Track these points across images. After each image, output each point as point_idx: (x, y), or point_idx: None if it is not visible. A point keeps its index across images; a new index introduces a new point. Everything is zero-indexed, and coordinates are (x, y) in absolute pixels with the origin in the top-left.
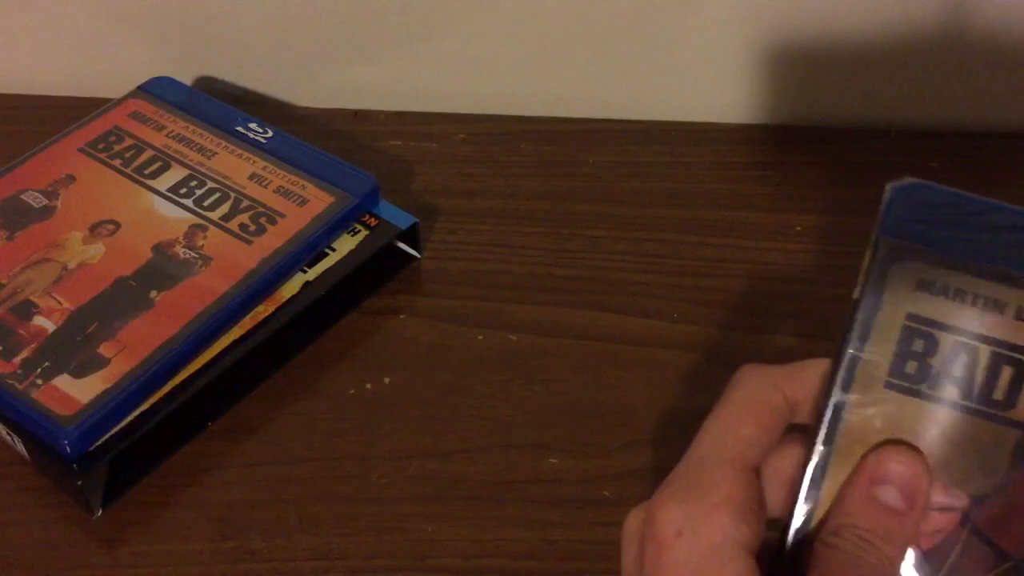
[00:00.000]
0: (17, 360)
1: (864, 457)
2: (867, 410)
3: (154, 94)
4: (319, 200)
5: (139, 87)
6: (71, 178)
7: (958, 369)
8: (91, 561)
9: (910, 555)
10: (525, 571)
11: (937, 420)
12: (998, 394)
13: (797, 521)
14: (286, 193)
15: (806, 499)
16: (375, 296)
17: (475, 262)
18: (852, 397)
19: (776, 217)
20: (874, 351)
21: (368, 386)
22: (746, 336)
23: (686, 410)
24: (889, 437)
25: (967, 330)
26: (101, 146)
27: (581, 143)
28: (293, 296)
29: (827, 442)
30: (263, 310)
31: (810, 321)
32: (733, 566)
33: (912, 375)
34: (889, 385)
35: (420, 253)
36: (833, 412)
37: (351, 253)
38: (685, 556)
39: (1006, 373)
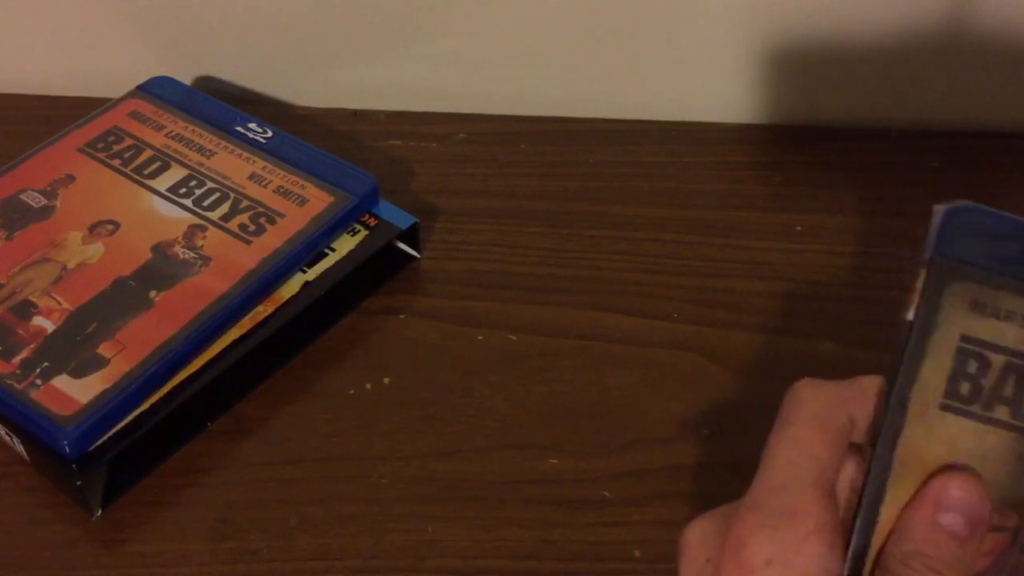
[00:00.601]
0: (16, 360)
1: (926, 483)
2: (923, 431)
3: (153, 94)
4: (319, 200)
5: (138, 87)
6: (70, 178)
7: (1009, 390)
8: (91, 561)
9: None
10: (525, 571)
11: (989, 441)
12: None
13: (856, 545)
14: (286, 193)
15: (865, 521)
16: (375, 296)
17: (475, 262)
18: (908, 418)
19: (776, 217)
20: (930, 372)
21: (368, 386)
22: (746, 336)
23: (686, 410)
24: (946, 459)
25: (1018, 351)
26: (100, 146)
27: (581, 143)
28: (293, 296)
29: (885, 464)
30: (263, 310)
31: (810, 321)
32: None
33: (966, 396)
34: (944, 407)
35: (420, 253)
36: (891, 434)
37: (351, 253)
38: (775, 555)
39: None
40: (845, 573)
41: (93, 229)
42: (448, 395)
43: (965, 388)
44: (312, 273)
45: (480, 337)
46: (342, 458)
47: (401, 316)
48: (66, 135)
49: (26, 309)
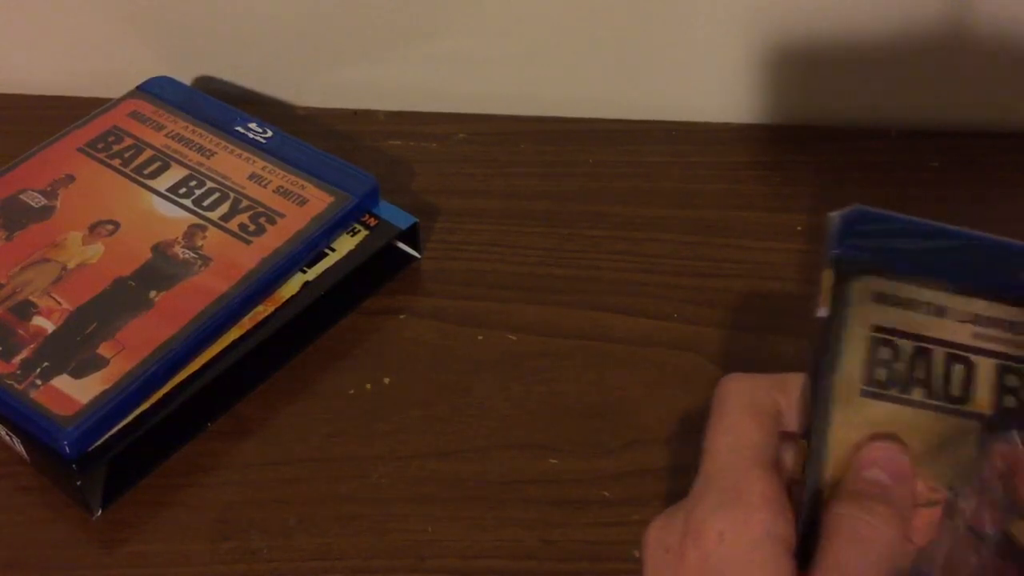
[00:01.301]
0: (16, 360)
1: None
2: (849, 418)
3: (153, 94)
4: (319, 200)
5: (138, 87)
6: (70, 178)
7: (921, 372)
8: (90, 561)
9: (908, 559)
10: (525, 571)
11: (910, 420)
12: (955, 390)
13: (803, 534)
14: (286, 193)
15: (809, 509)
16: (375, 296)
17: (475, 262)
18: (834, 409)
19: (776, 217)
20: (847, 363)
21: (368, 386)
22: (746, 336)
23: (686, 410)
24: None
25: (922, 335)
26: (100, 146)
27: (581, 143)
28: (293, 296)
29: (819, 455)
30: (262, 310)
31: (810, 321)
32: (773, 564)
33: (883, 381)
34: (865, 393)
35: (420, 253)
36: (821, 426)
37: (351, 253)
38: (730, 554)
39: (958, 371)
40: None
41: (93, 229)
42: (448, 395)
43: (881, 374)
44: (312, 273)
45: (480, 337)
46: (342, 458)
47: (401, 316)
48: (66, 135)
49: (26, 309)
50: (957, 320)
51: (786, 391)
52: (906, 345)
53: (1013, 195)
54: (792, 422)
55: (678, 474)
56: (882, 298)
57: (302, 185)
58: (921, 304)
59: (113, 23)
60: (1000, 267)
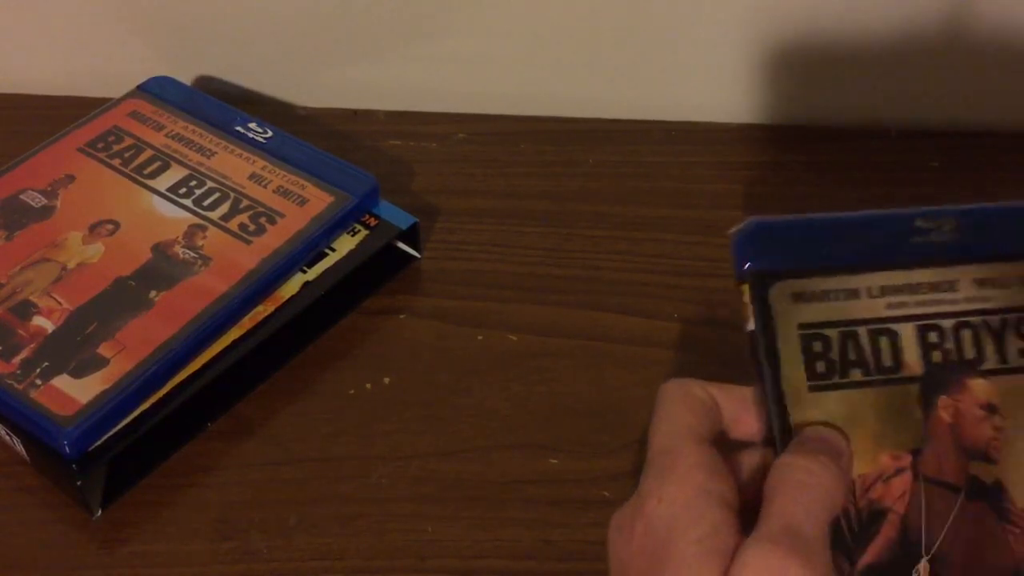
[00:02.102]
0: (16, 360)
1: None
2: (805, 416)
3: (153, 94)
4: (319, 200)
5: (138, 87)
6: (70, 178)
7: (852, 354)
8: (90, 561)
9: (896, 527)
10: (525, 571)
11: (859, 401)
12: (887, 361)
13: None
14: (286, 193)
15: None
16: (375, 296)
17: (475, 262)
18: (789, 411)
19: None
20: (788, 366)
21: (368, 386)
22: (746, 336)
23: None
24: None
25: (844, 320)
26: (100, 146)
27: (581, 143)
28: (293, 296)
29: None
30: (263, 310)
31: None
32: (709, 515)
33: (824, 372)
34: (812, 388)
35: (420, 253)
36: (781, 430)
37: (351, 253)
38: (666, 512)
39: (884, 343)
40: None
41: (93, 229)
42: (448, 395)
43: (820, 366)
44: (312, 273)
45: (480, 337)
46: (342, 458)
47: (401, 316)
48: (66, 135)
49: (26, 309)
50: (870, 297)
51: (723, 389)
52: (833, 334)
53: (1013, 195)
54: (737, 424)
55: None
56: (799, 297)
57: (302, 185)
58: (834, 292)
59: (113, 23)
60: (894, 238)
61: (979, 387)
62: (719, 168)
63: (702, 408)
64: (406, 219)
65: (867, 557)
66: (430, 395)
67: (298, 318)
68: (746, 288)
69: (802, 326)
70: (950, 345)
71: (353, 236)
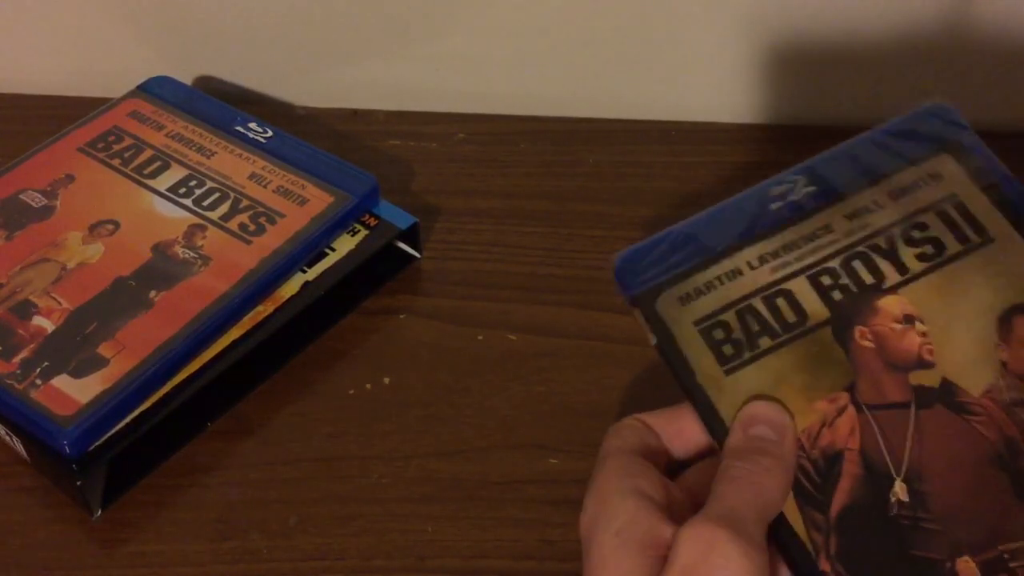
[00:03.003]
0: (16, 360)
1: (736, 414)
2: (731, 399)
3: (153, 94)
4: (319, 200)
5: (138, 87)
6: (70, 178)
7: (754, 325)
8: (90, 561)
9: (856, 463)
10: (525, 571)
11: (777, 365)
12: (791, 318)
13: None
14: (286, 193)
15: None
16: (375, 296)
17: (475, 262)
18: (714, 401)
19: None
20: (698, 360)
21: (368, 386)
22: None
23: None
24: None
25: (735, 300)
26: (100, 146)
27: (581, 143)
28: (293, 296)
29: (724, 436)
30: (263, 310)
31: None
32: (623, 507)
33: (734, 353)
34: (727, 371)
35: (420, 253)
36: (714, 421)
37: (351, 253)
38: (588, 518)
39: (781, 303)
40: None
41: (93, 229)
42: (448, 395)
43: (728, 349)
44: (312, 273)
45: (480, 337)
46: (342, 458)
47: (401, 316)
48: (66, 135)
49: (26, 309)
50: (752, 270)
51: (652, 414)
52: (730, 316)
53: None
54: (679, 436)
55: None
56: (686, 298)
57: (302, 185)
58: (717, 280)
59: (113, 23)
60: (755, 214)
61: (890, 304)
62: (719, 168)
63: (628, 431)
64: (406, 219)
65: (838, 501)
66: (430, 395)
67: (298, 318)
68: (637, 312)
69: (697, 322)
70: (845, 280)
71: (353, 236)
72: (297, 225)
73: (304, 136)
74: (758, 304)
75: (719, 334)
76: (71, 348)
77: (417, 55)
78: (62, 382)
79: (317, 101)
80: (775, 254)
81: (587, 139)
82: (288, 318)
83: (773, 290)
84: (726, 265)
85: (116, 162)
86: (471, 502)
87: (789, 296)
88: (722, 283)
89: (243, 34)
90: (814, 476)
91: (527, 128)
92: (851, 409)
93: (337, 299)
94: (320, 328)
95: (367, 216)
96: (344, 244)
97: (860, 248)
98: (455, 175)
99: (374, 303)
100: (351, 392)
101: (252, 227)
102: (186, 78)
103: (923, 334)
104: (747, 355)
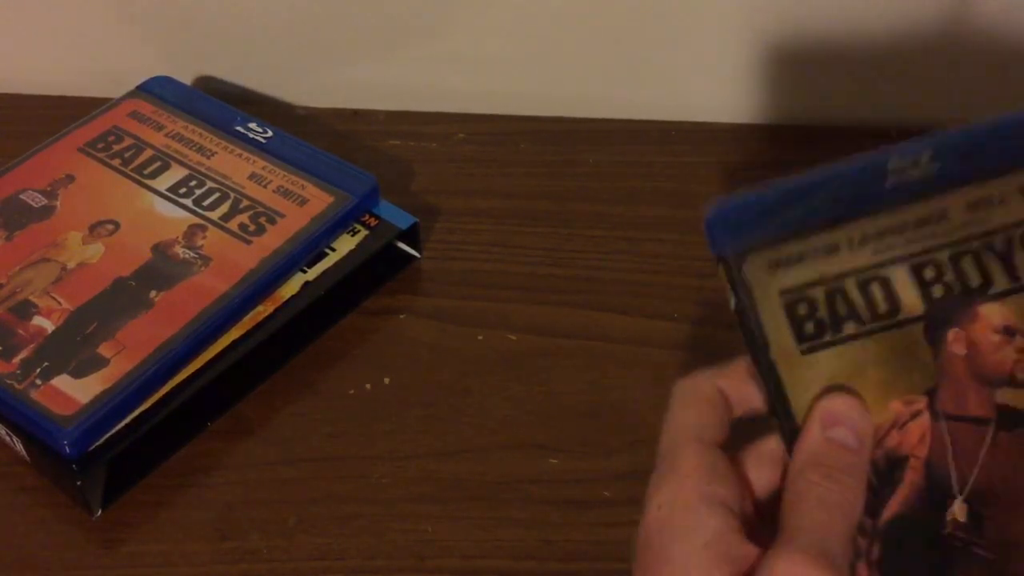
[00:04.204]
0: (16, 360)
1: (812, 405)
2: (802, 379)
3: (153, 94)
4: (319, 200)
5: (138, 87)
6: (70, 178)
7: (842, 309)
8: (90, 561)
9: (920, 472)
10: (525, 571)
11: (857, 354)
12: (882, 307)
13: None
14: (286, 193)
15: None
16: (375, 296)
17: (475, 262)
18: (784, 378)
19: None
20: (775, 333)
21: (368, 386)
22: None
23: None
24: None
25: (828, 276)
26: (100, 146)
27: (581, 143)
28: (293, 296)
29: (789, 426)
30: (263, 310)
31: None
32: (712, 520)
33: (814, 333)
34: (804, 351)
35: (420, 253)
36: (779, 397)
37: (351, 253)
38: (666, 519)
39: (876, 290)
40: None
41: (93, 229)
42: (448, 395)
43: (809, 327)
44: (312, 273)
45: (480, 337)
46: (342, 458)
47: (401, 316)
48: (66, 135)
49: (26, 309)
50: (852, 248)
51: (727, 375)
52: (818, 293)
53: None
54: (746, 400)
55: None
56: (777, 264)
57: (302, 185)
58: (812, 252)
59: (113, 23)
60: (867, 185)
61: (992, 312)
62: (719, 168)
63: (708, 406)
64: (406, 219)
65: (892, 508)
66: (430, 395)
67: (298, 318)
68: (721, 270)
69: (783, 292)
70: (950, 277)
71: (353, 236)
72: (297, 225)
73: (304, 136)
74: (850, 286)
75: (802, 309)
76: (71, 348)
77: (417, 55)
78: (62, 382)
79: (317, 101)
80: (880, 235)
81: (587, 139)
82: (288, 318)
83: (870, 274)
84: (825, 238)
85: (116, 162)
86: (471, 502)
87: (885, 283)
88: (817, 256)
89: (243, 34)
90: (872, 478)
91: (527, 128)
92: (926, 415)
93: (337, 299)
94: (320, 328)
95: (367, 216)
96: (344, 244)
97: (974, 244)
98: (455, 175)
99: (374, 303)
100: (351, 392)
101: (252, 227)
102: (186, 78)
103: (1021, 350)
104: (828, 338)
